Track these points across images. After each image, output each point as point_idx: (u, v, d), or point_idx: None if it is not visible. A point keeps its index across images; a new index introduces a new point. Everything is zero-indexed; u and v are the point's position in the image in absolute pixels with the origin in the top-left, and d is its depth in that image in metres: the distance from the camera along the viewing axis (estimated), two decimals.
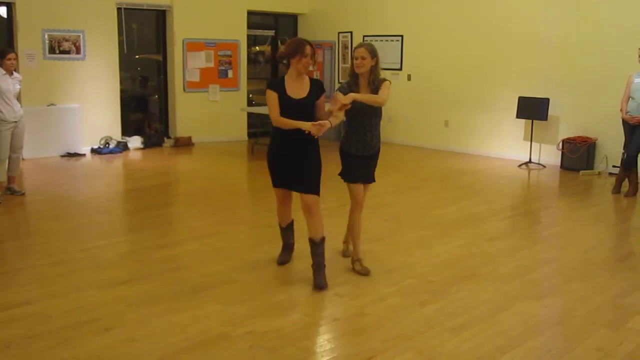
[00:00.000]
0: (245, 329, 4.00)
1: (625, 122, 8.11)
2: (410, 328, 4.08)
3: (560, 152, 9.91)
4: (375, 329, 4.08)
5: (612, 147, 9.30)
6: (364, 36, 12.63)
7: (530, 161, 10.11)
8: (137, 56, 12.24)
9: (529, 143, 10.16)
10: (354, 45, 12.81)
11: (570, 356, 3.79)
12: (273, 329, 4.03)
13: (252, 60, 13.59)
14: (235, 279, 4.92)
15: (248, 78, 12.86)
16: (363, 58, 4.93)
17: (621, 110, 8.13)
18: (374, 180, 5.55)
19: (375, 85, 5.05)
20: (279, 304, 4.46)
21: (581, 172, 9.51)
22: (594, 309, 4.50)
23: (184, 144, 11.72)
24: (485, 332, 4.06)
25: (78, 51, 10.53)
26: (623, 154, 8.22)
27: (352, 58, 5.04)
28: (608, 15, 9.38)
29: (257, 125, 12.81)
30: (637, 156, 8.06)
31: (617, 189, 8.28)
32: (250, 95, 13.39)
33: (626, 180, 8.21)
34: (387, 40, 12.29)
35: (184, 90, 11.90)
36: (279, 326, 4.07)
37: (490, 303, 4.52)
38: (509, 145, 10.70)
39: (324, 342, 3.95)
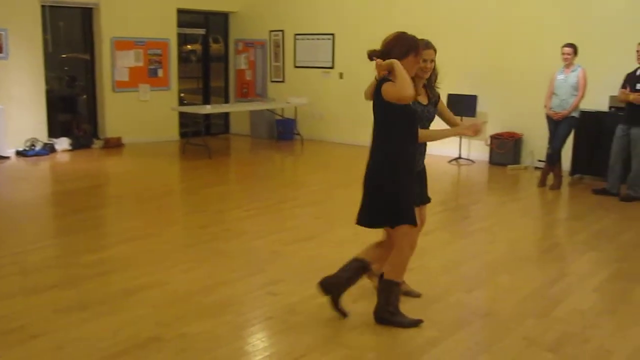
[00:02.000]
0: (177, 332, 3.95)
1: (549, 118, 8.37)
2: (342, 324, 4.11)
3: (488, 148, 10.16)
4: (308, 326, 4.09)
5: (537, 142, 9.58)
6: (295, 34, 12.65)
7: (459, 157, 10.32)
8: (63, 55, 11.90)
9: (459, 139, 10.36)
10: (284, 44, 12.92)
11: (498, 346, 3.89)
12: (205, 330, 3.99)
13: (183, 59, 13.42)
14: (166, 281, 4.85)
15: (179, 77, 12.68)
16: (432, 61, 4.28)
17: (545, 106, 8.40)
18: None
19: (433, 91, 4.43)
20: (212, 305, 4.41)
21: (509, 166, 9.78)
22: (521, 300, 4.63)
23: (114, 145, 11.47)
24: (415, 327, 4.12)
25: (1, 50, 10.17)
26: (548, 148, 8.48)
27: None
28: (533, 15, 9.66)
29: (188, 125, 12.66)
30: (560, 151, 8.34)
31: (542, 183, 8.54)
32: (182, 95, 13.22)
33: (551, 174, 8.49)
34: (318, 39, 12.34)
35: (113, 90, 11.63)
36: (211, 327, 4.03)
37: (422, 297, 4.59)
38: (439, 142, 10.80)
39: (257, 341, 3.93)
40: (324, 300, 4.38)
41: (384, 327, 4.06)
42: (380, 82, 4.03)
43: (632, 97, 7.62)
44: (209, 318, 4.18)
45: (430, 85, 4.38)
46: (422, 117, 4.27)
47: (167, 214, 7.13)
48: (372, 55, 4.09)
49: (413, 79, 3.94)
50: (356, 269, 4.18)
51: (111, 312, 4.27)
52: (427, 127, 4.38)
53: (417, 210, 4.18)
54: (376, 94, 4.04)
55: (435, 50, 4.24)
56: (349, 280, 4.16)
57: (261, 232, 6.21)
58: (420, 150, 4.34)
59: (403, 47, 3.96)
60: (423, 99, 4.32)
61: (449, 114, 4.53)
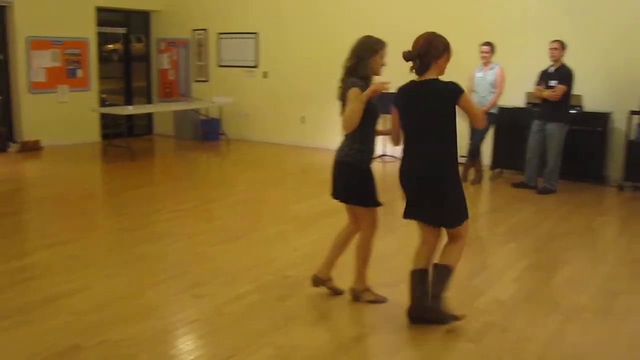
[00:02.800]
0: (98, 339, 3.85)
1: None
2: (268, 323, 4.10)
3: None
4: (233, 327, 4.07)
5: (459, 138, 9.75)
6: (218, 34, 12.54)
7: (384, 154, 10.46)
8: None
9: (382, 137, 10.47)
10: (208, 43, 12.79)
11: (422, 339, 3.97)
12: (128, 336, 3.90)
13: (104, 59, 13.09)
14: (88, 287, 4.73)
15: (100, 77, 12.37)
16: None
17: None
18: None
19: None
20: (135, 310, 4.32)
21: None
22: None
23: (32, 148, 11.07)
24: (342, 322, 4.17)
25: None
26: (469, 144, 8.70)
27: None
28: (452, 14, 9.88)
29: (110, 126, 12.36)
30: (480, 146, 8.57)
31: (464, 177, 8.73)
32: (103, 95, 12.90)
33: (472, 168, 8.71)
34: (242, 38, 12.27)
35: (29, 91, 11.23)
36: (134, 333, 3.95)
37: (346, 294, 4.62)
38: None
39: (182, 345, 3.88)
40: (248, 300, 4.38)
41: (312, 326, 4.08)
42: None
43: (546, 93, 7.90)
44: (132, 323, 4.10)
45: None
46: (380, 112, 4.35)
47: (88, 218, 6.94)
48: (408, 57, 4.12)
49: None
50: (421, 278, 4.12)
51: (30, 321, 4.12)
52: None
53: None
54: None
55: None
56: (425, 292, 4.09)
57: (186, 234, 6.13)
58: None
59: (441, 48, 4.14)
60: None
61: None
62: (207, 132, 12.56)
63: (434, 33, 4.17)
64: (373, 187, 4.34)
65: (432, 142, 4.04)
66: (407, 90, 4.15)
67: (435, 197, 4.03)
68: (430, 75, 4.12)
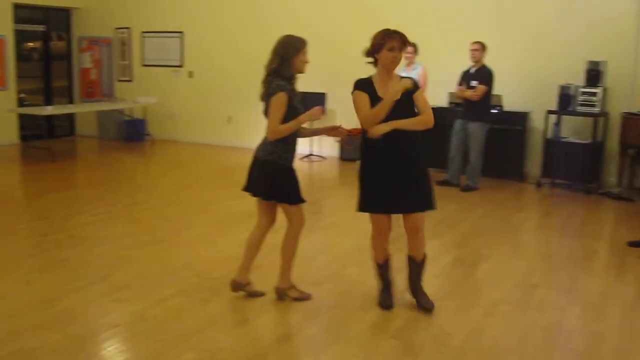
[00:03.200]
0: (12, 348, 3.71)
1: None
2: (192, 327, 4.04)
3: (338, 145, 10.40)
4: (156, 331, 3.99)
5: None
6: (142, 32, 12.32)
7: (311, 154, 10.50)
8: None
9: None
10: (131, 42, 12.53)
11: (346, 337, 3.99)
12: (46, 344, 3.78)
13: (24, 57, 12.63)
14: (4, 294, 4.55)
15: (18, 77, 11.94)
16: None
17: None
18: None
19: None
20: (54, 317, 4.19)
21: (358, 162, 10.04)
22: (368, 290, 4.76)
23: None
24: (267, 323, 4.16)
25: None
26: None
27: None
28: (375, 14, 9.99)
29: (30, 128, 11.96)
30: None
31: None
32: (22, 95, 12.45)
33: None
34: (166, 37, 12.08)
35: None
36: (52, 340, 3.83)
37: (271, 293, 4.61)
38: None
39: (103, 351, 3.79)
40: (172, 303, 4.33)
41: (236, 327, 4.05)
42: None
43: (468, 93, 8.09)
44: (51, 331, 3.97)
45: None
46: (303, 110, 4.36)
47: (5, 223, 6.67)
48: (364, 54, 4.35)
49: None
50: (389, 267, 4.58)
51: None
52: None
53: None
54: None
55: None
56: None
57: (108, 237, 5.99)
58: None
59: (376, 43, 4.25)
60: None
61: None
62: (131, 132, 12.31)
63: (383, 29, 4.29)
64: (297, 184, 4.38)
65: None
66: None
67: (413, 181, 4.31)
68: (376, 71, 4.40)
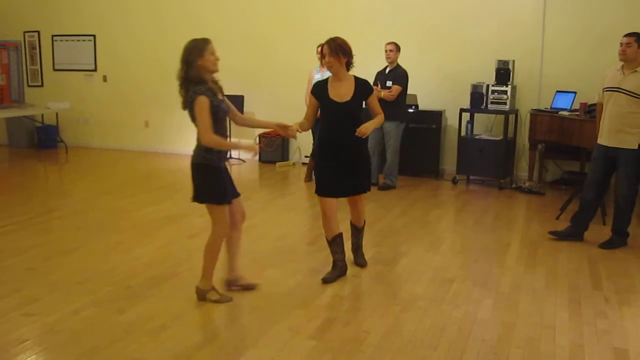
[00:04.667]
0: None
1: None
2: (106, 338, 3.93)
3: (257, 147, 10.35)
4: (68, 344, 3.86)
5: (303, 139, 9.95)
6: (53, 36, 11.94)
7: (230, 157, 10.36)
8: None
9: (228, 139, 10.43)
10: (41, 45, 12.11)
11: (264, 340, 3.97)
12: None
13: None
14: None
15: None
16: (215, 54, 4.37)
17: (306, 104, 8.72)
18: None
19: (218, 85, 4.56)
20: None
21: (277, 164, 10.07)
22: (287, 292, 4.78)
23: None
24: (184, 330, 4.09)
25: None
26: (313, 144, 8.85)
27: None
28: (291, 15, 10.02)
29: None
30: None
31: (309, 177, 8.91)
32: None
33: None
34: (79, 40, 11.75)
35: None
36: None
37: (190, 300, 4.54)
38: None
39: None
40: (85, 315, 4.21)
41: (152, 335, 3.97)
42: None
43: (383, 94, 8.20)
44: None
45: (215, 79, 4.47)
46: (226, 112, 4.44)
47: None
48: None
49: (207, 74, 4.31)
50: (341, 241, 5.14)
51: None
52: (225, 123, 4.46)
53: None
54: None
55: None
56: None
57: (17, 249, 5.76)
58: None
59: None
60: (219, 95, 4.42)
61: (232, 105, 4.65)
62: (43, 139, 11.91)
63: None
64: (220, 185, 4.38)
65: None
66: None
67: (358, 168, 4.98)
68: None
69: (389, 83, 8.26)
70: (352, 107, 4.83)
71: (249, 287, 4.79)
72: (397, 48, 8.33)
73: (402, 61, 8.40)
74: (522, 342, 3.97)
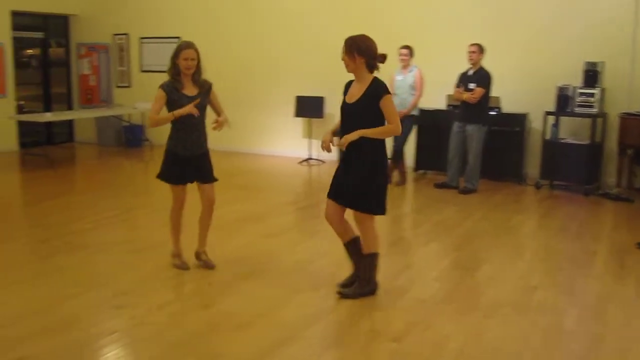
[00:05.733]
0: (14, 355, 3.71)
1: None
2: (191, 332, 4.04)
3: (337, 148, 10.38)
4: (155, 337, 3.99)
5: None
6: (140, 38, 12.33)
7: (310, 158, 10.50)
8: None
9: (308, 140, 10.55)
10: (129, 48, 12.55)
11: (346, 341, 4.00)
12: (46, 350, 3.78)
13: (23, 64, 12.64)
14: (4, 301, 4.55)
15: (17, 84, 11.96)
16: (193, 59, 4.98)
17: None
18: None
19: (200, 83, 5.17)
20: (53, 323, 4.18)
21: None
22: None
23: None
24: (266, 328, 4.15)
25: None
26: (393, 146, 8.83)
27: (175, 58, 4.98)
28: (373, 19, 10.01)
29: (29, 134, 11.98)
30: (403, 148, 8.71)
31: (388, 179, 8.86)
32: (21, 102, 12.46)
33: (396, 170, 8.84)
34: (164, 42, 12.08)
35: None
36: (52, 346, 3.83)
37: (271, 298, 4.62)
38: (289, 143, 11.03)
39: (102, 357, 3.78)
40: (170, 309, 4.33)
41: (235, 332, 4.05)
42: None
43: (465, 96, 8.10)
44: (50, 337, 3.96)
45: (197, 79, 5.10)
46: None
47: (4, 230, 6.67)
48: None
49: (182, 74, 5.00)
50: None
51: None
52: (197, 117, 5.15)
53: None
54: None
55: (196, 51, 5.02)
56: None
57: (106, 243, 5.99)
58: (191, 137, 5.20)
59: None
60: (191, 91, 5.08)
61: (216, 103, 5.42)
62: (130, 138, 12.33)
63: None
64: (167, 165, 5.28)
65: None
66: None
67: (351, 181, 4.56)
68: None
69: (472, 85, 8.14)
70: (356, 108, 4.49)
71: (207, 265, 5.22)
72: (480, 49, 8.20)
73: (486, 62, 8.26)
74: (612, 355, 3.84)
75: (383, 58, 4.55)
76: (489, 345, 3.95)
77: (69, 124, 13.25)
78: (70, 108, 13.29)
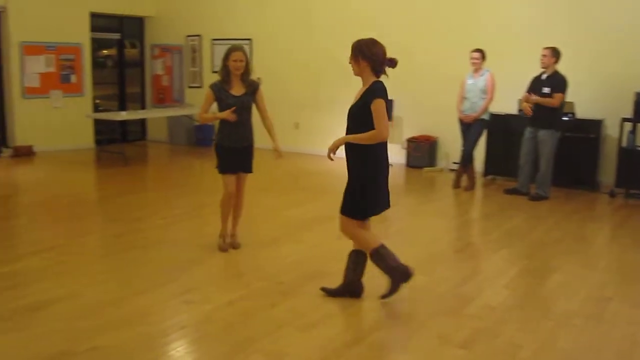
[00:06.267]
0: (88, 345, 3.84)
1: (461, 121, 8.61)
2: (258, 330, 4.09)
3: (405, 151, 10.35)
4: (223, 334, 4.05)
5: (451, 145, 9.85)
6: (212, 39, 12.55)
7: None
8: None
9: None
10: (201, 49, 12.80)
11: (413, 346, 3.97)
12: (118, 342, 3.89)
13: (98, 64, 13.08)
14: (79, 293, 4.71)
15: (94, 83, 12.37)
16: (241, 61, 5.43)
17: (457, 109, 8.63)
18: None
19: (248, 83, 5.58)
20: (125, 316, 4.31)
21: (425, 169, 10.00)
22: (435, 299, 4.73)
23: (24, 154, 11.06)
24: (333, 329, 4.16)
25: None
26: (461, 151, 8.73)
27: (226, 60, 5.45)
28: (445, 21, 9.92)
29: (104, 132, 12.38)
30: (472, 153, 8.58)
31: (457, 184, 8.77)
32: (97, 101, 12.89)
33: (465, 175, 8.73)
34: (235, 44, 12.26)
35: (22, 96, 11.23)
36: (124, 339, 3.94)
37: (338, 300, 4.62)
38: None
39: (171, 351, 3.87)
40: (239, 306, 4.38)
41: (302, 332, 4.08)
42: None
43: (535, 98, 7.89)
44: (122, 329, 4.09)
45: (245, 79, 5.54)
46: (234, 105, 5.49)
47: (80, 224, 6.92)
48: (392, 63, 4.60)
49: (231, 74, 5.48)
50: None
51: (18, 328, 4.10)
52: (243, 114, 5.61)
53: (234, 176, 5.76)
54: None
55: (244, 53, 5.49)
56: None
57: (178, 239, 6.12)
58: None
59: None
60: (238, 91, 5.53)
61: (262, 103, 5.77)
62: (200, 137, 12.57)
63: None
64: (220, 159, 5.72)
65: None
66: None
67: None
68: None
69: (546, 90, 7.95)
70: (353, 111, 4.46)
71: (233, 245, 5.77)
72: (553, 53, 7.98)
73: (560, 67, 8.05)
74: None
75: (392, 63, 4.50)
76: (560, 356, 3.86)
77: (142, 122, 13.63)
78: (143, 107, 13.66)
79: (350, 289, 4.63)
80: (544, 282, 5.19)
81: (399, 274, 4.48)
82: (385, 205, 4.58)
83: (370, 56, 4.39)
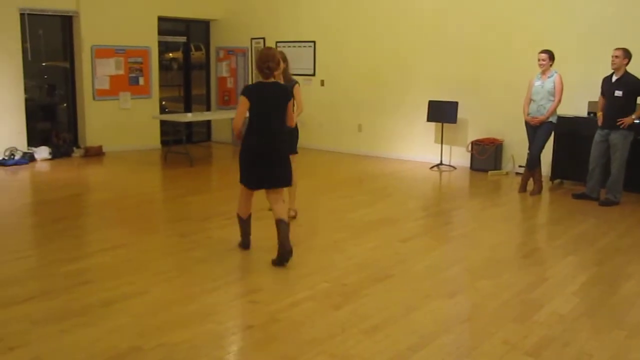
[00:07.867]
0: (157, 342, 3.92)
1: (527, 124, 8.44)
2: (323, 332, 4.10)
3: (469, 154, 10.21)
4: (288, 334, 4.08)
5: (517, 148, 9.67)
6: (276, 42, 12.66)
7: (441, 163, 10.37)
8: (43, 64, 11.82)
9: (440, 145, 10.42)
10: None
11: (478, 351, 3.90)
12: (185, 339, 3.96)
13: (165, 67, 13.38)
14: (146, 291, 4.82)
15: (160, 85, 12.66)
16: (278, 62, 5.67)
17: (524, 112, 8.45)
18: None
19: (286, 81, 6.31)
20: (192, 314, 4.38)
21: (490, 172, 9.83)
22: (501, 304, 4.65)
23: (95, 154, 11.40)
24: (398, 332, 4.13)
25: None
26: (527, 154, 8.55)
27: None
28: (512, 22, 9.74)
29: (170, 133, 12.64)
30: (539, 156, 8.39)
31: (523, 188, 8.60)
32: (164, 103, 13.18)
33: (531, 179, 8.55)
34: (300, 46, 12.36)
35: (93, 98, 11.58)
36: (191, 337, 4.01)
37: (403, 303, 4.60)
38: (420, 148, 10.95)
39: (237, 350, 3.92)
40: (304, 307, 4.40)
41: (367, 334, 4.07)
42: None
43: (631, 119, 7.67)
44: (189, 327, 4.16)
45: (284, 79, 6.33)
46: None
47: (147, 223, 7.08)
48: None
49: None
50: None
51: (90, 322, 4.22)
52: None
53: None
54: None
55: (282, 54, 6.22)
56: None
57: (236, 241, 6.18)
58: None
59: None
60: None
61: (298, 99, 6.48)
62: None
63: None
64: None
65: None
66: None
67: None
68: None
69: (618, 92, 7.70)
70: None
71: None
72: (625, 54, 7.73)
73: (631, 68, 7.80)
74: None
75: (268, 69, 5.45)
76: None
77: (207, 124, 13.86)
78: (208, 109, 13.89)
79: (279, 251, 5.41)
80: (616, 290, 5.03)
81: (242, 243, 5.87)
82: (253, 184, 5.72)
83: (256, 62, 5.54)
